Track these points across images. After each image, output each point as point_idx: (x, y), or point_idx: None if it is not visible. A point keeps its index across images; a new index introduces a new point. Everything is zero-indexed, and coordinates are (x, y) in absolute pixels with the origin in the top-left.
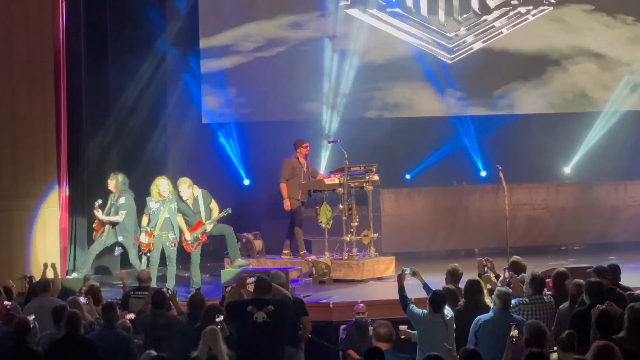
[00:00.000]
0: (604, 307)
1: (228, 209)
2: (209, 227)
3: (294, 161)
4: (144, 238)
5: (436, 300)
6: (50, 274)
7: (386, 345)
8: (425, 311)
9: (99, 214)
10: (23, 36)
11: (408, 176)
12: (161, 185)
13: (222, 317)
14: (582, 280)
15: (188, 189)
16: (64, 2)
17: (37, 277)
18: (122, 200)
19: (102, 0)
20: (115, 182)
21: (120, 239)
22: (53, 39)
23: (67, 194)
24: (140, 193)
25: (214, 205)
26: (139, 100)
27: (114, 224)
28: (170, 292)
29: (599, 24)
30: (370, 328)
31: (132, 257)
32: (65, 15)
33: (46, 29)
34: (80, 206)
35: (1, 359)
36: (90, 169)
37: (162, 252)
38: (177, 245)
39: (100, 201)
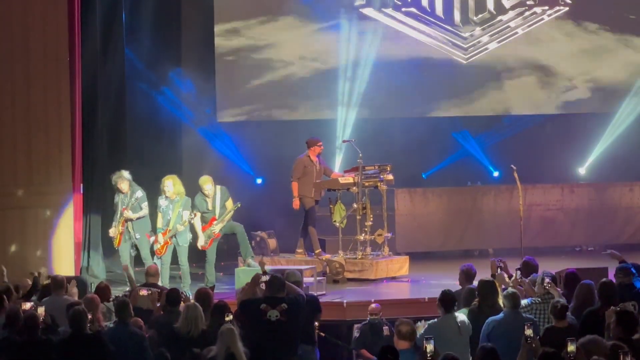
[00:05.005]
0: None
1: (238, 203)
2: (220, 224)
3: (305, 160)
4: (161, 239)
5: (446, 300)
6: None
7: (407, 343)
8: (436, 320)
9: (128, 213)
10: (39, 34)
11: (424, 176)
12: (166, 185)
13: (231, 316)
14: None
15: (213, 186)
16: None
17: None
18: (138, 193)
19: None
20: (127, 182)
21: (137, 236)
22: (68, 37)
23: (82, 192)
24: (154, 192)
25: (229, 203)
26: (154, 99)
27: (136, 220)
28: (183, 296)
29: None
30: (385, 328)
31: (144, 253)
32: (80, 13)
33: (62, 26)
34: (94, 205)
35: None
36: (105, 168)
37: (174, 255)
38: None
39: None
